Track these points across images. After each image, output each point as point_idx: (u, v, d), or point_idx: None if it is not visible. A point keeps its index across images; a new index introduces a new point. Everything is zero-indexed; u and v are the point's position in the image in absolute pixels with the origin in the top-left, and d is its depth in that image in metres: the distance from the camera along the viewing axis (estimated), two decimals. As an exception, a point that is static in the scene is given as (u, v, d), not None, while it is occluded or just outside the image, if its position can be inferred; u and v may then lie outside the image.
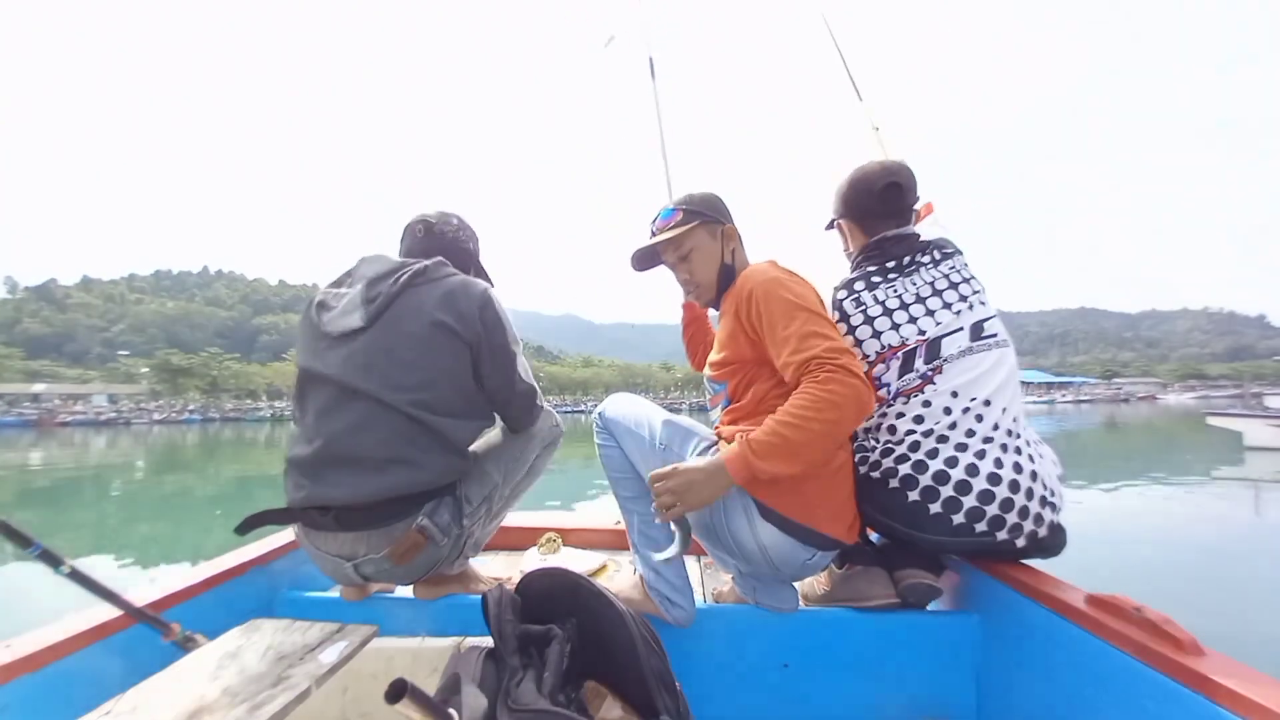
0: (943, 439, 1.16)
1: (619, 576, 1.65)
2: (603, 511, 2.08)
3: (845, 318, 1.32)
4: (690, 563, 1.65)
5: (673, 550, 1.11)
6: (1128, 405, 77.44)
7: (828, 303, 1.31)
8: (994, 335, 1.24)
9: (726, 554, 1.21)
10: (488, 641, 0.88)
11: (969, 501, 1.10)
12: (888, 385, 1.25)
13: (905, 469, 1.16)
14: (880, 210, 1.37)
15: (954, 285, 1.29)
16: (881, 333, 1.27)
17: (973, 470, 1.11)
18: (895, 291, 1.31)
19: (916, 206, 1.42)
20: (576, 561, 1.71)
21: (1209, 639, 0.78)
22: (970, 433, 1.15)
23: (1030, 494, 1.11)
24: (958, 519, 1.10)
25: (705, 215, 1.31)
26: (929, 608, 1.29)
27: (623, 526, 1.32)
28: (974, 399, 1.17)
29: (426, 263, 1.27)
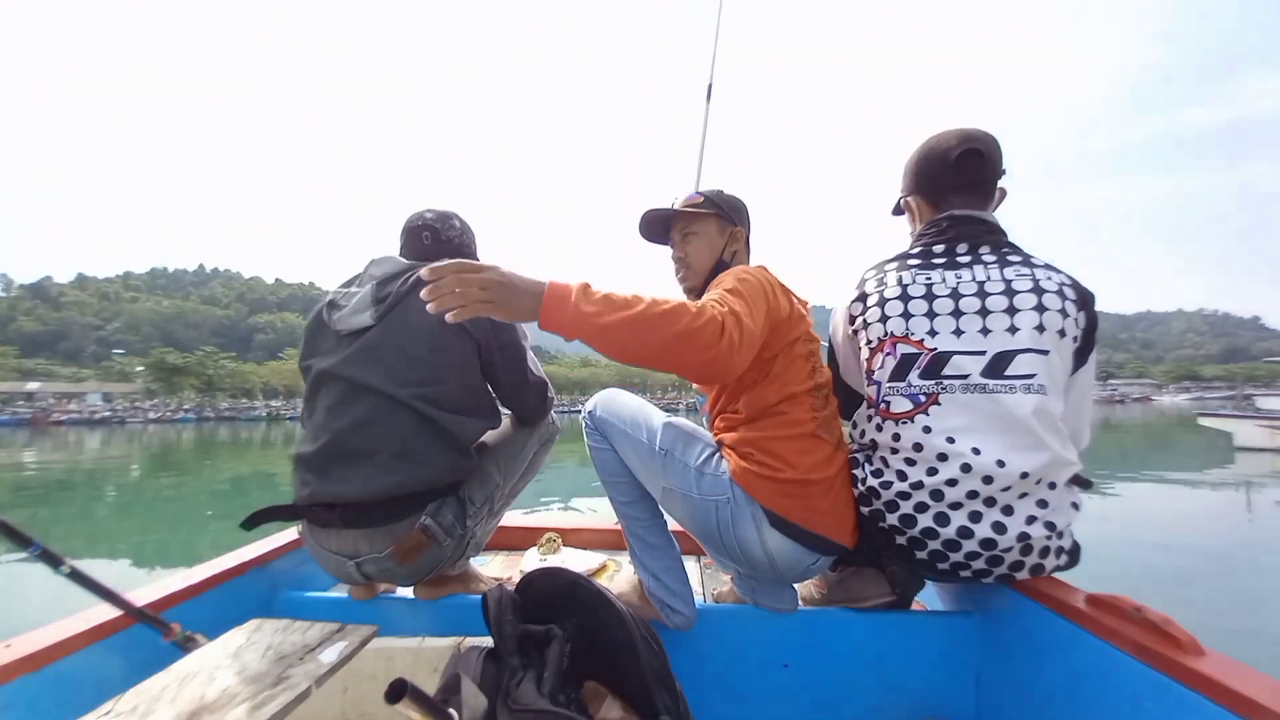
0: (937, 495, 1.03)
1: (619, 577, 1.65)
2: (603, 511, 2.09)
3: (863, 298, 1.19)
4: (690, 563, 1.65)
5: None
6: (1122, 406, 77.85)
7: (852, 284, 1.25)
8: (1028, 377, 1.01)
9: (728, 558, 1.19)
10: (488, 641, 0.88)
11: (955, 556, 1.04)
12: (877, 384, 1.14)
13: (893, 519, 1.08)
14: (954, 181, 1.17)
15: (1010, 294, 1.05)
16: (889, 318, 1.12)
17: (965, 533, 1.02)
18: (927, 279, 1.11)
19: (1001, 184, 1.20)
20: (576, 561, 1.71)
21: (1207, 638, 0.78)
22: (972, 494, 1.01)
23: (1028, 549, 1.02)
24: (943, 566, 1.06)
25: (722, 210, 1.34)
26: (929, 608, 1.29)
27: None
28: (977, 451, 1.00)
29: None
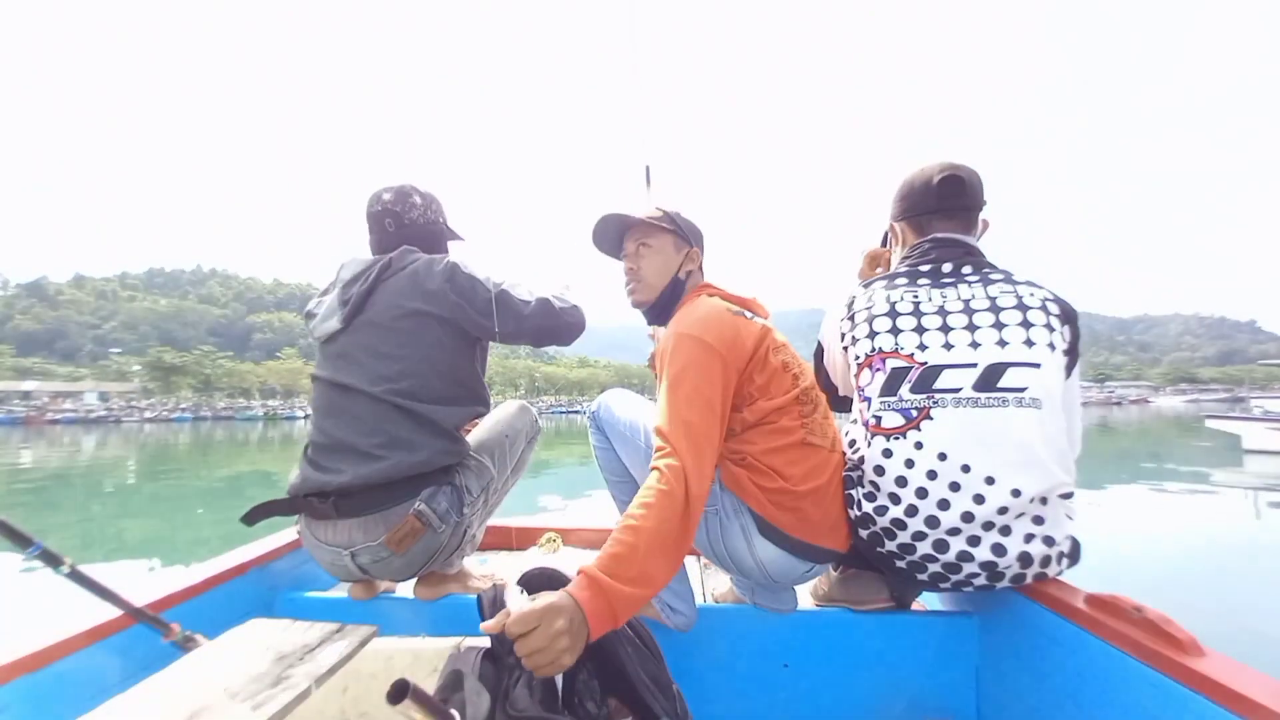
0: (932, 522, 1.02)
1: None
2: (603, 511, 2.09)
3: (852, 316, 1.19)
4: (690, 563, 1.65)
5: None
6: (1119, 409, 78.02)
7: (842, 302, 1.24)
8: (1020, 390, 1.01)
9: (722, 567, 1.20)
10: (486, 641, 0.88)
11: (957, 577, 1.04)
12: (868, 399, 1.12)
13: (891, 545, 1.07)
14: (935, 206, 1.20)
15: (996, 310, 1.07)
16: (877, 334, 1.12)
17: (965, 557, 1.01)
18: (914, 296, 1.13)
19: (983, 216, 1.24)
20: (576, 561, 1.71)
21: (1207, 638, 0.78)
22: (968, 517, 1.00)
23: (1029, 563, 1.01)
24: (945, 585, 1.07)
25: (680, 230, 1.31)
26: (929, 608, 1.29)
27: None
28: (967, 470, 1.00)
29: (391, 255, 1.32)
